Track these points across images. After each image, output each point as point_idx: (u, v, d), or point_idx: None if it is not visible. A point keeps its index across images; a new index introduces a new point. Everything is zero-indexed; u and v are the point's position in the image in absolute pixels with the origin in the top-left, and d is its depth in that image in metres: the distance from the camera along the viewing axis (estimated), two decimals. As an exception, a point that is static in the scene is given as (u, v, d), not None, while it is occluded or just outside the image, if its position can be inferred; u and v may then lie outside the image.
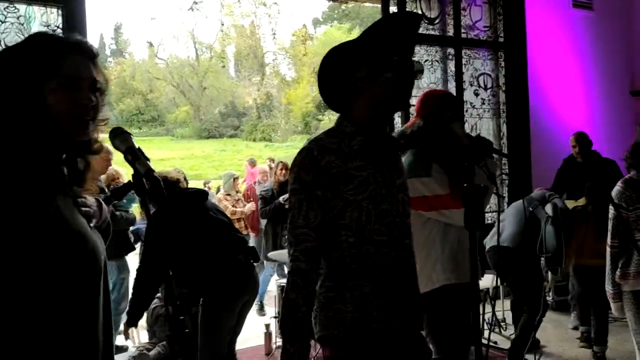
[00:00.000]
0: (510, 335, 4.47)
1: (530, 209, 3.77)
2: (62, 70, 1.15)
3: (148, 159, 1.14)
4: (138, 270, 3.04)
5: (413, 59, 1.58)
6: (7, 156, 1.11)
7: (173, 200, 3.07)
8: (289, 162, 5.72)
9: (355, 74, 1.55)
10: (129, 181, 1.91)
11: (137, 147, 1.17)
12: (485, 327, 4.23)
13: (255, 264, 3.25)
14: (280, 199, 5.44)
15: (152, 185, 1.11)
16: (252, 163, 13.38)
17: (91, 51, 1.21)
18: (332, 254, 1.54)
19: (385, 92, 1.54)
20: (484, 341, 2.27)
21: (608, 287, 2.95)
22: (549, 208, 3.74)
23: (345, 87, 1.58)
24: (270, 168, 6.37)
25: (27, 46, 1.18)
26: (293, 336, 1.46)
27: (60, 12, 3.84)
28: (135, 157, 1.15)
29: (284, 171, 5.79)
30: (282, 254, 4.92)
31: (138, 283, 3.01)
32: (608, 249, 2.92)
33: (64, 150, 1.20)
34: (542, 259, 3.78)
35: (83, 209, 1.18)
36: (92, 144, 1.22)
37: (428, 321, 2.27)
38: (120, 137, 1.18)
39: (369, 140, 1.56)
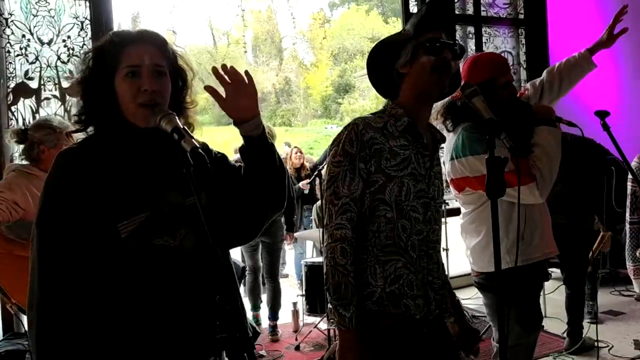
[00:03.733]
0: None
1: None
2: (125, 61, 1.26)
3: (193, 137, 1.23)
4: None
5: (450, 41, 1.61)
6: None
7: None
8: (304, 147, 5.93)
9: (397, 63, 1.64)
10: None
11: (182, 126, 1.25)
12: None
13: None
14: (300, 184, 5.73)
15: (196, 162, 1.17)
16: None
17: (152, 39, 1.31)
18: (368, 227, 1.58)
19: (424, 76, 1.60)
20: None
21: (629, 264, 2.87)
22: None
23: (391, 77, 1.67)
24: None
25: (101, 44, 1.30)
26: (348, 301, 1.48)
27: (87, 4, 3.96)
28: (180, 136, 1.21)
29: (298, 154, 6.05)
30: (307, 234, 5.02)
31: None
32: (627, 225, 2.86)
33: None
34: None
35: None
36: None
37: (491, 304, 2.22)
38: (166, 118, 1.25)
39: (414, 122, 1.63)
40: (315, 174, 4.94)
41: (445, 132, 2.24)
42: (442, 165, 1.82)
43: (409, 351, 1.55)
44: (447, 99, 2.19)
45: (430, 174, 1.65)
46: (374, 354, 1.51)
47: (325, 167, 1.63)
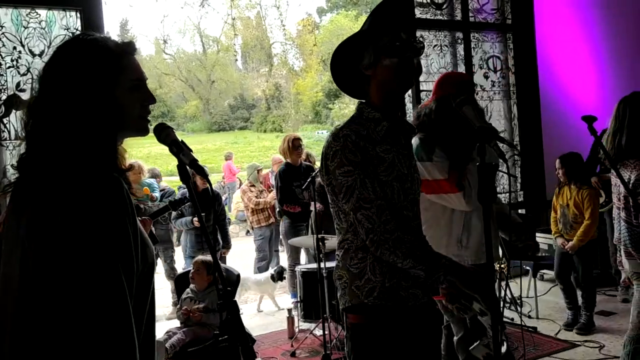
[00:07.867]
0: (529, 312, 4.56)
1: None
2: (129, 72, 1.19)
3: (191, 150, 1.27)
4: None
5: (412, 38, 1.64)
6: (86, 160, 1.13)
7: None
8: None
9: (361, 63, 1.67)
10: (169, 201, 2.05)
11: (180, 140, 1.29)
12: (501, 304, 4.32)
13: None
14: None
15: (198, 173, 1.22)
16: (228, 157, 14.65)
17: (136, 49, 1.25)
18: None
19: (388, 76, 1.64)
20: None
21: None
22: None
23: (356, 77, 1.70)
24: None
25: (87, 51, 1.18)
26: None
27: (78, 15, 3.97)
28: (179, 149, 1.27)
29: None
30: (302, 240, 5.02)
31: None
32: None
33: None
34: None
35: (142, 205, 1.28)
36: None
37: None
38: (165, 132, 1.30)
39: (392, 125, 1.68)
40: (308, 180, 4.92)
41: None
42: None
43: (403, 336, 1.63)
44: (417, 110, 2.52)
45: (411, 170, 1.72)
46: (377, 342, 1.62)
47: (331, 182, 1.61)
